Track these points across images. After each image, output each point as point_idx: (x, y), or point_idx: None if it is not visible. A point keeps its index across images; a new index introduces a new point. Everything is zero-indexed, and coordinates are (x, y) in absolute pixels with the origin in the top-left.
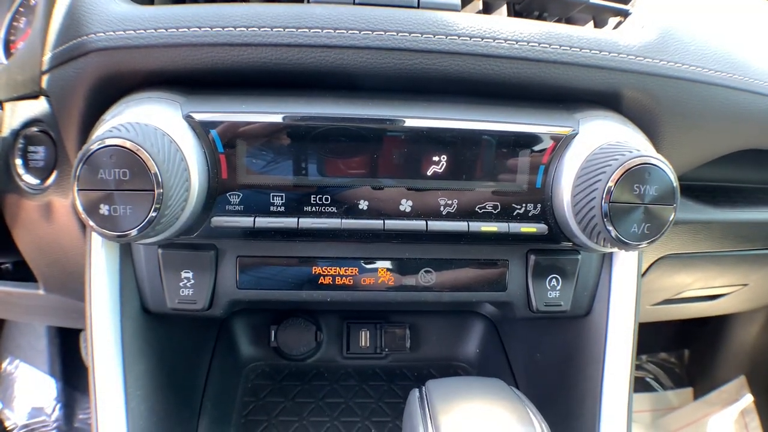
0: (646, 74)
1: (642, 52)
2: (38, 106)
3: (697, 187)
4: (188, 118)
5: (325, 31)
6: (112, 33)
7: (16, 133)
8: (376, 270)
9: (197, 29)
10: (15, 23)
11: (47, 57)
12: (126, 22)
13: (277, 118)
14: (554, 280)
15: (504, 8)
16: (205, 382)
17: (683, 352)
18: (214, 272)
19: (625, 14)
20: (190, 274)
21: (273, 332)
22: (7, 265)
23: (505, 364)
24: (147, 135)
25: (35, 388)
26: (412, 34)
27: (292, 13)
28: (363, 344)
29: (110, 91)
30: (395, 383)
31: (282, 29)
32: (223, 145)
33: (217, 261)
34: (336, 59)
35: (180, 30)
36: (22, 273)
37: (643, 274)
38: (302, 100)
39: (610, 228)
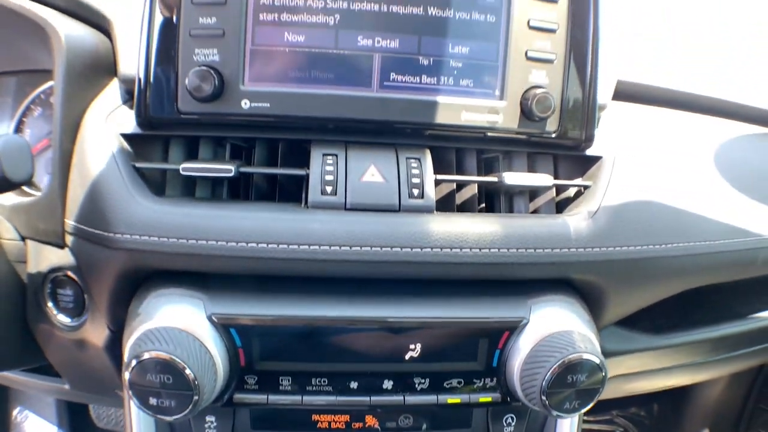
0: (594, 262)
1: (590, 241)
2: (64, 256)
3: None
4: (211, 319)
5: (322, 247)
6: (137, 237)
7: (43, 276)
8: (363, 416)
9: (214, 242)
10: (26, 117)
11: (71, 225)
12: (150, 228)
13: (286, 321)
14: (509, 418)
15: (474, 187)
16: None
17: (653, 406)
18: (232, 418)
19: (585, 187)
20: (212, 419)
21: None
22: None
23: None
24: (182, 344)
25: None
26: (393, 248)
27: (294, 229)
28: None
29: (137, 274)
30: None
31: (286, 245)
32: (240, 340)
33: (235, 410)
34: (333, 269)
35: (199, 242)
36: None
37: None
38: (307, 301)
39: (548, 405)
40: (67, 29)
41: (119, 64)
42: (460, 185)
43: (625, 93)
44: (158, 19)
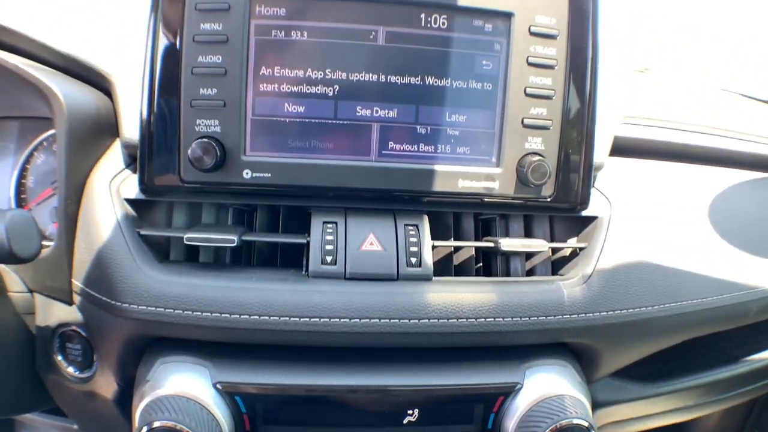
0: (588, 327)
1: (584, 307)
2: (71, 313)
3: None
4: (216, 387)
5: (322, 320)
6: (143, 307)
7: (52, 331)
8: None
9: (218, 314)
10: (28, 164)
11: (78, 286)
12: (155, 299)
13: (289, 389)
14: None
15: (472, 250)
16: None
17: None
18: None
19: (581, 248)
20: None
21: None
22: None
23: None
24: (189, 412)
25: None
26: (392, 320)
27: (295, 302)
28: None
29: (143, 340)
30: None
31: (288, 318)
32: (245, 407)
33: None
34: (333, 340)
35: (203, 314)
36: None
37: None
38: (309, 370)
39: None
40: (67, 93)
41: (121, 128)
42: (458, 248)
43: (621, 147)
44: (159, 89)
